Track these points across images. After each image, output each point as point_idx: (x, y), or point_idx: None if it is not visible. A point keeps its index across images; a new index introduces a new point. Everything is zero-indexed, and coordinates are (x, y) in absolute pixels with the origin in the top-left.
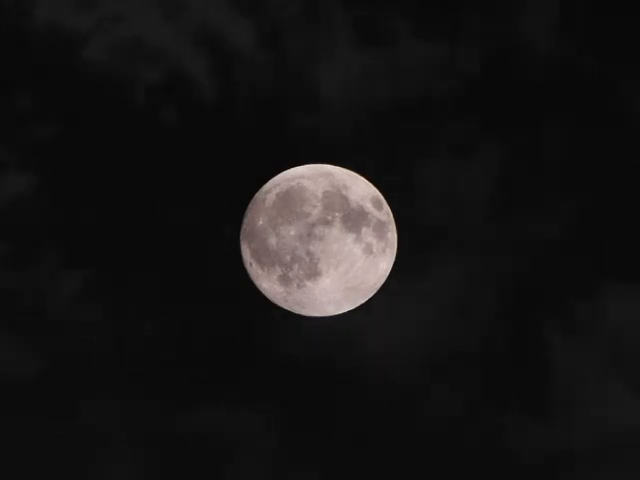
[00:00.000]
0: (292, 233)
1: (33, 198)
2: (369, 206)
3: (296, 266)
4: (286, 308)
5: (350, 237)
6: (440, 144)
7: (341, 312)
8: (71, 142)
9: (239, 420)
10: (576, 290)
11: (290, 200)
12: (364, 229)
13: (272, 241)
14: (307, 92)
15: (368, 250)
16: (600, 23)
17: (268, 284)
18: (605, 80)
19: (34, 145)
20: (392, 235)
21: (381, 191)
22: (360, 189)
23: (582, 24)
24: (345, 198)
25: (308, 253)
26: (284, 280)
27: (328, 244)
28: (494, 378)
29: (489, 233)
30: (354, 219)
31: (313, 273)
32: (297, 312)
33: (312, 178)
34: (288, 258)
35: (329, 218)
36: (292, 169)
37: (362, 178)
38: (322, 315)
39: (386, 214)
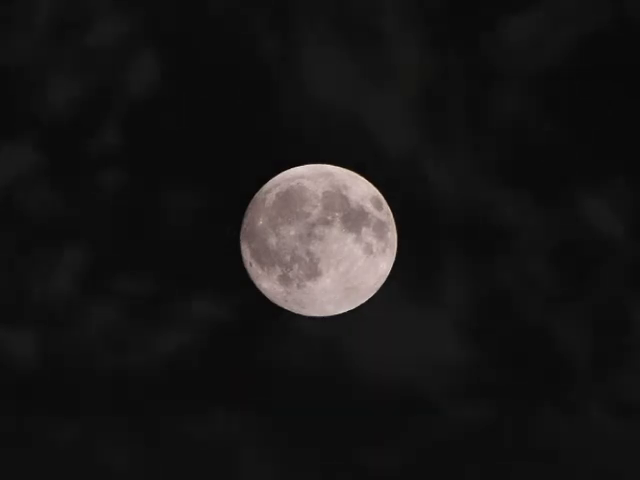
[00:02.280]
0: (292, 233)
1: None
2: (369, 206)
3: (296, 266)
4: (286, 308)
5: (350, 237)
6: (441, 143)
7: (341, 312)
8: (71, 137)
9: (239, 421)
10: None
11: (290, 200)
12: (364, 229)
13: (272, 241)
14: (307, 91)
15: (368, 250)
16: None
17: (268, 284)
18: None
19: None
20: (392, 235)
21: (381, 191)
22: (360, 189)
23: None
24: (345, 198)
25: (308, 253)
26: (284, 280)
27: (328, 244)
28: (496, 376)
29: (491, 232)
30: (354, 219)
31: (313, 273)
32: (297, 312)
33: (312, 178)
34: (288, 258)
35: (329, 218)
36: (292, 169)
37: (362, 178)
38: (322, 315)
39: (386, 214)
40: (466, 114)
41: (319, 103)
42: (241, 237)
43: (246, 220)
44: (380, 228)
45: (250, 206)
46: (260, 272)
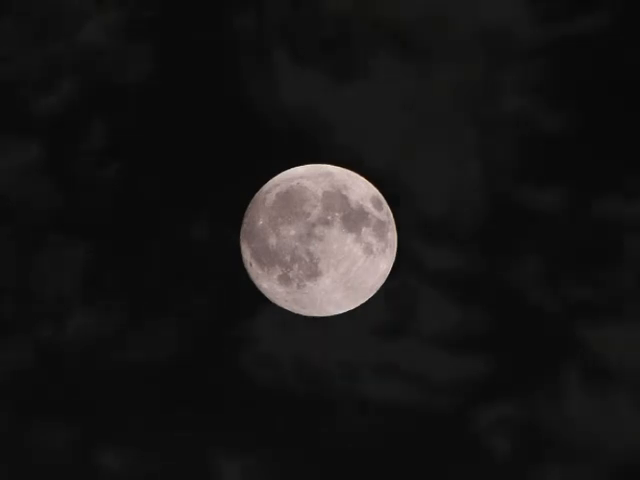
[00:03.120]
0: (292, 233)
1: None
2: (369, 206)
3: (296, 266)
4: (286, 308)
5: (350, 237)
6: (440, 143)
7: (341, 312)
8: (73, 127)
9: (241, 420)
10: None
11: (290, 200)
12: (364, 229)
13: (272, 241)
14: (307, 91)
15: (368, 250)
16: None
17: (268, 284)
18: None
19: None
20: (392, 235)
21: (381, 191)
22: (360, 189)
23: None
24: (345, 198)
25: (308, 253)
26: (284, 280)
27: (328, 244)
28: (496, 375)
29: (489, 231)
30: (354, 219)
31: (313, 273)
32: (297, 312)
33: (312, 178)
34: (288, 258)
35: (329, 218)
36: (292, 169)
37: (362, 178)
38: (322, 315)
39: (386, 214)
40: (461, 114)
41: (314, 104)
42: (241, 237)
43: (246, 220)
44: (380, 228)
45: (250, 206)
46: (260, 272)
